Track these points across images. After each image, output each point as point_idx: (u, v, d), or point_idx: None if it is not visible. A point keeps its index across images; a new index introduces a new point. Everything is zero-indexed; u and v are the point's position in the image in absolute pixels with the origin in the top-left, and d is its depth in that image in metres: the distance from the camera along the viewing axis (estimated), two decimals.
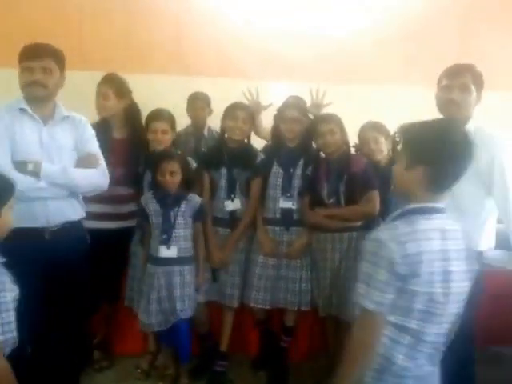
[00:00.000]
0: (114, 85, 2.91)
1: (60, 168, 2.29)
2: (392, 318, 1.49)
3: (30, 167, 2.21)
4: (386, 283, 1.44)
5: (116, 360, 3.08)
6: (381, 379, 1.53)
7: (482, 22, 4.18)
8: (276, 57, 4.14)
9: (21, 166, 2.20)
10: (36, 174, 2.21)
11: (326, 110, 3.04)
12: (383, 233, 1.49)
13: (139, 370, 2.97)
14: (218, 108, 3.48)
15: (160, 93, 3.77)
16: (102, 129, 2.75)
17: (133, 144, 2.92)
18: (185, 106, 3.65)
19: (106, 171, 2.47)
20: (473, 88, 2.26)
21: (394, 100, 4.03)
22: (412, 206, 1.55)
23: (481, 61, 3.83)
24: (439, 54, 4.11)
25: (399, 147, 1.67)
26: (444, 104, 2.30)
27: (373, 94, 4.07)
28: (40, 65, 2.25)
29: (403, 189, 1.61)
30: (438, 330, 1.54)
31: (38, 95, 2.29)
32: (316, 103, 3.05)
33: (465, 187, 2.15)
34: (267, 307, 2.84)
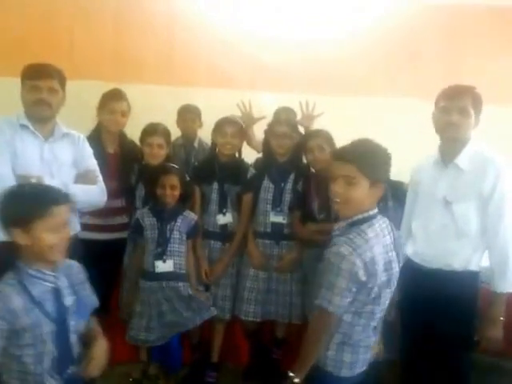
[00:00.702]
0: (127, 100, 2.96)
1: (61, 184, 2.31)
2: (352, 308, 1.79)
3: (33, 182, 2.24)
4: (346, 290, 1.72)
5: (108, 369, 3.10)
6: (342, 350, 1.86)
7: (469, 33, 4.21)
8: (267, 67, 4.17)
9: (23, 180, 2.23)
10: None
11: (317, 122, 3.08)
12: (344, 247, 1.72)
13: (131, 379, 2.99)
14: (209, 119, 3.50)
15: (150, 103, 3.78)
16: (94, 143, 2.76)
17: (125, 158, 2.96)
18: (174, 115, 3.66)
19: (105, 188, 2.53)
20: (471, 111, 2.22)
21: (386, 112, 4.06)
22: (356, 217, 1.81)
23: (469, 73, 3.94)
24: (430, 66, 4.18)
25: (347, 170, 1.78)
26: (442, 126, 2.28)
27: (365, 105, 4.10)
28: (47, 84, 2.31)
29: (358, 206, 1.81)
30: (383, 307, 1.89)
31: (44, 115, 2.35)
32: (307, 116, 3.09)
33: (468, 211, 2.22)
34: (258, 320, 2.87)
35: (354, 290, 1.74)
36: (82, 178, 2.46)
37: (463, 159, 2.26)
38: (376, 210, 1.85)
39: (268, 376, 2.96)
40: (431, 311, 2.22)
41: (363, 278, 1.72)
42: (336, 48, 4.17)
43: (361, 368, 1.92)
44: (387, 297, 1.88)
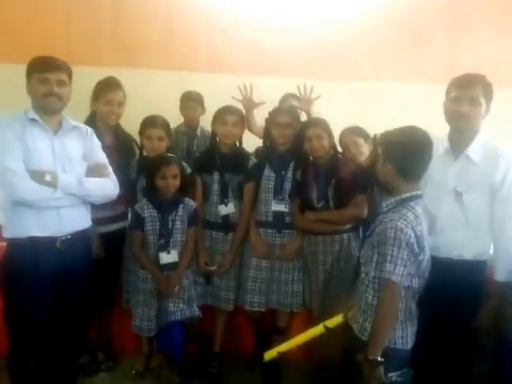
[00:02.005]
0: (123, 89, 2.91)
1: (76, 179, 2.33)
2: (405, 283, 1.92)
3: (48, 178, 2.23)
4: (407, 260, 1.87)
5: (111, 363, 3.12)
6: (406, 325, 1.99)
7: (474, 17, 4.15)
8: (267, 52, 4.11)
9: (38, 176, 2.21)
10: (53, 185, 2.23)
11: (319, 106, 3.06)
12: (400, 222, 1.88)
13: (134, 372, 3.01)
14: (208, 103, 3.51)
15: (150, 88, 3.74)
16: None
17: (122, 148, 2.92)
18: (174, 101, 3.60)
19: (116, 180, 2.51)
20: (482, 101, 2.20)
21: (386, 96, 4.02)
22: (405, 195, 1.97)
23: (472, 56, 3.88)
24: (430, 50, 4.11)
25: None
26: (453, 116, 2.26)
27: (364, 90, 4.05)
28: (56, 77, 2.28)
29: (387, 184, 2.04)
30: (423, 282, 2.03)
31: (55, 107, 2.32)
32: (305, 99, 3.05)
33: (478, 201, 2.22)
34: (262, 309, 2.87)
35: (411, 260, 1.88)
36: (93, 171, 2.43)
37: (474, 150, 2.25)
38: (420, 193, 2.00)
39: (270, 364, 2.94)
40: (441, 300, 2.21)
41: (417, 250, 1.88)
42: (337, 32, 4.12)
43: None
44: (427, 274, 2.02)
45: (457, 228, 2.26)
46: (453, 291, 2.21)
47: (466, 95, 2.20)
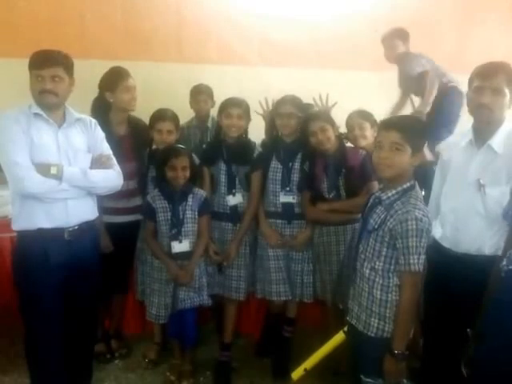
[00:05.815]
0: (132, 77, 2.93)
1: (81, 171, 2.34)
2: None
3: (53, 171, 2.25)
4: (424, 248, 1.89)
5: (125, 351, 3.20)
6: None
7: (482, 8, 4.13)
8: (276, 43, 4.12)
9: (43, 168, 2.24)
10: (59, 178, 2.26)
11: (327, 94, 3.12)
12: (417, 212, 1.88)
13: (147, 360, 3.07)
14: (218, 95, 3.50)
15: (161, 80, 3.77)
16: (102, 124, 2.68)
17: (136, 139, 2.96)
18: (185, 92, 3.65)
19: (120, 171, 2.52)
20: (506, 90, 2.08)
21: (393, 86, 3.99)
22: (406, 185, 1.97)
23: (480, 46, 3.85)
24: (437, 40, 4.09)
25: (398, 139, 1.93)
26: (475, 107, 2.16)
27: (372, 80, 4.05)
28: (50, 73, 2.26)
29: (401, 172, 1.97)
30: None
31: (50, 103, 2.31)
32: (323, 108, 3.08)
33: (501, 194, 2.11)
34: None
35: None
36: (97, 162, 2.44)
37: (498, 141, 2.16)
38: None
39: (279, 353, 3.01)
40: (457, 296, 2.14)
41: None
42: (344, 23, 4.13)
43: None
44: None
45: (477, 222, 2.17)
46: (471, 288, 2.07)
47: (489, 85, 2.09)
